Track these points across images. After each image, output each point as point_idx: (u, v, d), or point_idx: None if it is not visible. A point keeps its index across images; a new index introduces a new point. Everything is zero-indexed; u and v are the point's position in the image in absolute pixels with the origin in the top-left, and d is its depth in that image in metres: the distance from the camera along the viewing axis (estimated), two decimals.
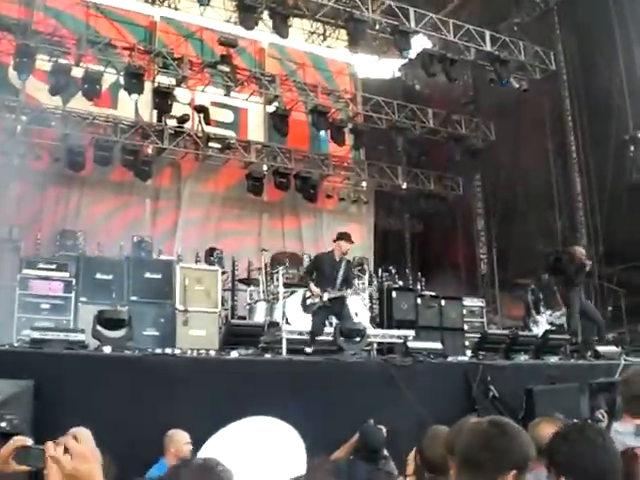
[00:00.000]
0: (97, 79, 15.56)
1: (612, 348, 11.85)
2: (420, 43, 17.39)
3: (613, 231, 16.27)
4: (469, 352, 12.10)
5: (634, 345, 13.35)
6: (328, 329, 10.79)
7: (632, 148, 16.14)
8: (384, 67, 21.20)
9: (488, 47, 17.53)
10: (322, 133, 18.56)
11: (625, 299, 14.70)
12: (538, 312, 13.19)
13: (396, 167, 20.55)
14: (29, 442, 2.07)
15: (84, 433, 2.07)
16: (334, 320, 11.50)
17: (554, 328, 12.85)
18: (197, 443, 6.18)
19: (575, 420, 3.96)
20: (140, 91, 15.92)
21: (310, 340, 10.40)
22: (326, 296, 10.27)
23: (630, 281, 15.57)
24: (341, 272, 10.46)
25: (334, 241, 10.90)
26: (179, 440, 6.49)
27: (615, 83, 16.57)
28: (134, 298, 11.08)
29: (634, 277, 15.78)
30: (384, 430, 6.44)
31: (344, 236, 10.77)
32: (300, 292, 12.43)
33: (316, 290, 10.35)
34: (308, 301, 10.59)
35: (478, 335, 12.45)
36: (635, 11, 16.37)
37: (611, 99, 16.67)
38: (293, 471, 1.78)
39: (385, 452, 6.25)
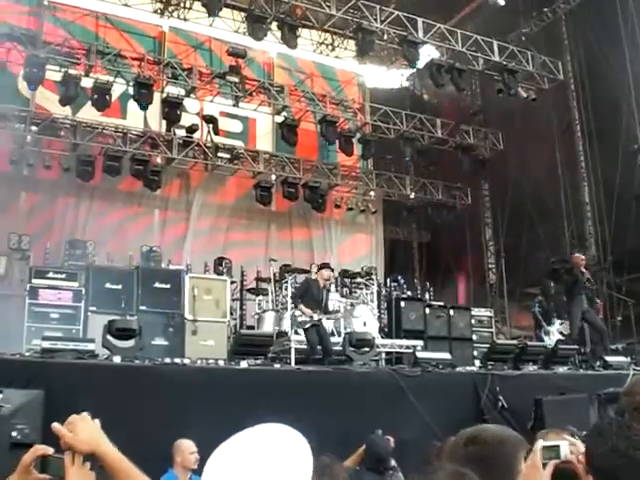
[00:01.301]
0: (107, 89, 15.59)
1: (621, 358, 11.83)
2: (428, 53, 17.42)
3: (621, 241, 16.24)
4: (478, 362, 12.09)
5: None
6: (336, 339, 10.99)
7: None
8: (392, 77, 21.27)
9: (496, 57, 17.56)
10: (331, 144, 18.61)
11: (634, 309, 14.64)
12: (548, 323, 13.14)
13: (404, 177, 20.56)
14: (50, 451, 2.10)
15: (77, 417, 2.13)
16: (342, 330, 11.88)
17: (564, 338, 12.81)
18: (206, 452, 6.20)
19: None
20: (149, 101, 15.99)
21: (310, 354, 10.59)
22: (316, 316, 10.68)
23: (639, 291, 15.53)
24: (325, 297, 11.15)
25: (316, 272, 12.02)
26: (184, 449, 6.51)
27: (623, 92, 16.57)
28: (143, 308, 11.10)
29: None
30: (391, 440, 6.45)
31: (324, 265, 11.83)
32: None
33: (308, 311, 10.79)
34: (299, 319, 11.02)
35: (487, 345, 12.44)
36: None
37: (619, 108, 16.66)
38: (299, 477, 1.79)
39: (393, 462, 6.24)
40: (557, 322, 13.15)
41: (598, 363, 11.57)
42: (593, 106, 18.00)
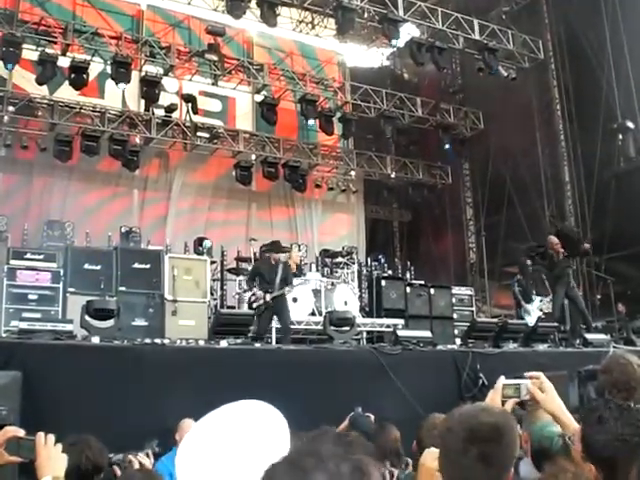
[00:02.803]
0: (84, 68, 15.38)
1: (601, 336, 11.89)
2: (408, 31, 17.32)
3: (601, 220, 16.31)
4: (458, 340, 12.13)
5: (622, 333, 13.42)
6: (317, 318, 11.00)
7: (620, 137, 16.16)
8: (372, 56, 21.18)
9: (477, 36, 17.48)
10: (310, 122, 18.44)
11: (614, 287, 14.72)
12: (528, 301, 13.17)
13: (385, 156, 20.54)
14: (21, 433, 2.06)
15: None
16: (323, 310, 11.91)
17: (544, 316, 12.86)
18: None
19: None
20: (127, 80, 15.79)
21: (258, 337, 10.60)
22: (268, 296, 10.69)
23: (618, 269, 15.63)
24: (279, 274, 11.02)
25: (268, 254, 12.11)
26: (184, 428, 6.42)
27: (603, 72, 16.59)
28: (122, 288, 10.99)
29: (622, 265, 15.85)
30: (372, 418, 6.44)
31: (273, 248, 11.91)
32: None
33: (259, 293, 10.88)
34: (254, 304, 11.09)
35: (467, 324, 12.47)
36: (623, 0, 16.36)
37: (599, 88, 16.68)
38: (276, 453, 1.75)
39: None
40: (537, 299, 13.19)
41: (578, 341, 11.63)
42: (573, 85, 18.02)
